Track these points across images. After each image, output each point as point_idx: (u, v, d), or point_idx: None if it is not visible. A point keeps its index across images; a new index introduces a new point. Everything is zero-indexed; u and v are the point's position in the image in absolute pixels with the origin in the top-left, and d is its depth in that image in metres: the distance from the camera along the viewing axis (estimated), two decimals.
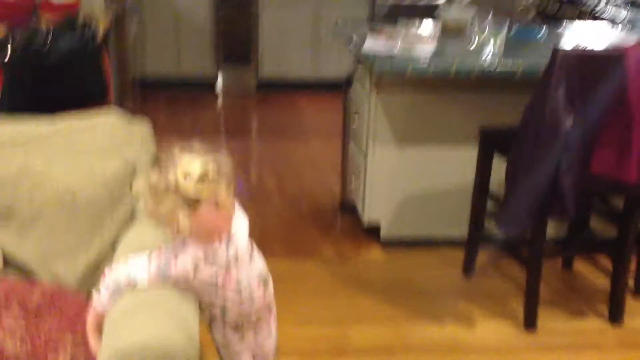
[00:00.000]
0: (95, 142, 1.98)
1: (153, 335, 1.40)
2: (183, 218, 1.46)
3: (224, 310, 1.63)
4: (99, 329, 1.52)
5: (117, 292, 1.52)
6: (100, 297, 1.53)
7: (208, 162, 1.48)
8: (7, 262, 1.82)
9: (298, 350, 2.41)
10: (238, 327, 1.68)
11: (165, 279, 1.52)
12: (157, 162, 1.54)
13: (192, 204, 1.46)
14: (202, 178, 1.45)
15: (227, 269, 1.55)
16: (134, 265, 1.55)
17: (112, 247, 1.86)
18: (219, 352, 1.75)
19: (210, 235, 1.51)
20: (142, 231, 1.84)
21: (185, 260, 1.51)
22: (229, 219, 1.54)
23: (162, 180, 1.46)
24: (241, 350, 1.72)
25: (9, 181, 1.84)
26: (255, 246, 1.66)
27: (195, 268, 1.51)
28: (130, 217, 1.92)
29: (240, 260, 1.57)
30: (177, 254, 1.52)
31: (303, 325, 2.57)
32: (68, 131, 1.99)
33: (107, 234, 1.87)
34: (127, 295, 1.53)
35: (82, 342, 1.54)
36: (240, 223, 1.59)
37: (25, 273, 1.83)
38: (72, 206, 1.85)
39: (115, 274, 1.55)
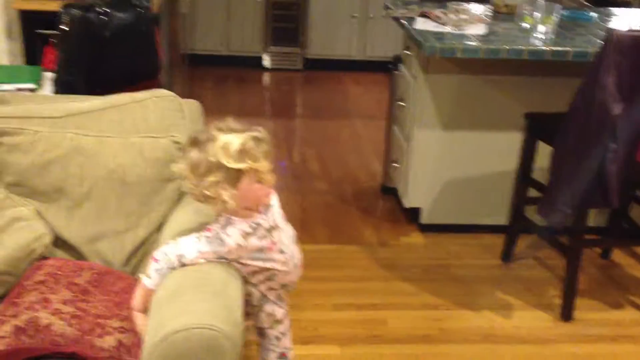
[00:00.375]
0: (146, 122, 2.00)
1: (198, 318, 1.42)
2: (225, 193, 1.53)
3: (272, 275, 1.72)
4: (146, 309, 1.57)
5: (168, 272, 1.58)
6: (151, 280, 1.58)
7: (246, 138, 1.54)
8: (56, 240, 1.86)
9: (337, 336, 2.47)
10: (281, 299, 1.78)
11: (216, 253, 1.59)
12: (195, 141, 1.58)
13: (234, 178, 1.53)
14: (242, 152, 1.52)
15: (270, 233, 1.65)
16: (184, 245, 1.60)
17: (159, 228, 1.89)
18: (262, 341, 1.83)
19: (253, 207, 1.61)
20: (189, 212, 1.86)
21: (234, 234, 1.59)
22: (268, 192, 1.63)
23: (203, 159, 1.52)
24: (285, 330, 1.83)
25: (60, 160, 1.86)
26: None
27: (245, 238, 1.60)
28: (178, 198, 1.94)
29: (278, 224, 1.68)
30: (225, 229, 1.59)
31: (342, 311, 2.62)
32: (119, 110, 2.00)
33: (154, 215, 1.90)
34: (174, 273, 1.57)
35: (130, 324, 1.58)
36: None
37: (73, 251, 1.87)
38: (122, 186, 1.88)
39: (166, 255, 1.59)
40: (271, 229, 1.66)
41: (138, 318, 1.58)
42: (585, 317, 2.64)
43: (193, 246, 1.59)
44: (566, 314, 2.63)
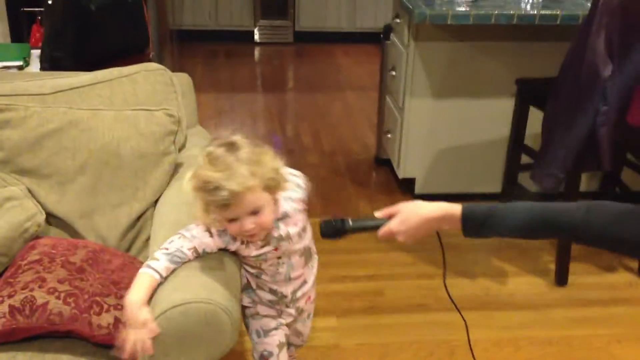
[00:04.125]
0: (138, 96, 1.98)
1: (195, 293, 1.41)
2: (227, 225, 1.49)
3: (259, 273, 1.64)
4: (148, 301, 1.45)
5: (178, 260, 1.50)
6: (156, 264, 1.48)
7: (238, 175, 1.41)
8: (49, 218, 1.83)
9: (334, 308, 2.48)
10: (273, 303, 1.68)
11: (224, 243, 1.54)
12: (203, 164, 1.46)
13: (231, 218, 1.47)
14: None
15: (275, 246, 1.57)
16: (196, 235, 1.52)
17: (155, 202, 1.87)
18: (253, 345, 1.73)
19: (255, 237, 1.52)
20: (183, 188, 1.83)
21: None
22: (269, 220, 1.50)
23: (201, 192, 1.45)
24: (273, 342, 1.70)
25: (54, 134, 1.83)
26: (307, 220, 1.65)
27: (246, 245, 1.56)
28: (174, 172, 1.92)
29: (289, 239, 1.58)
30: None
31: (339, 283, 2.63)
32: (109, 85, 1.98)
33: (150, 189, 1.88)
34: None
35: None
36: (291, 196, 1.58)
37: (67, 228, 1.85)
38: (116, 159, 1.84)
39: (175, 245, 1.51)
40: (277, 242, 1.57)
41: (143, 312, 1.41)
42: (579, 281, 2.66)
43: (206, 238, 1.53)
44: (561, 279, 2.65)
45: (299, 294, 1.69)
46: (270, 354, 1.71)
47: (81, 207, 1.85)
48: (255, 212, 1.46)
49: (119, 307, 1.54)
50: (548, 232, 1.34)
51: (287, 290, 1.67)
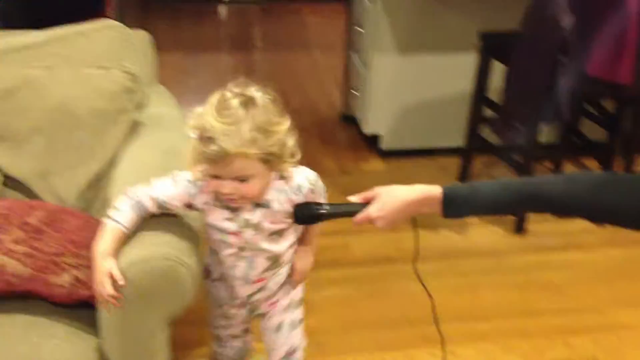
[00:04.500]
0: (94, 53, 1.89)
1: (154, 249, 1.40)
2: (209, 179, 1.37)
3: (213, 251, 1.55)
4: (116, 253, 1.40)
5: (140, 209, 1.44)
6: (121, 215, 1.42)
7: (238, 136, 1.29)
8: (5, 180, 1.80)
9: None
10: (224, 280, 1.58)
11: (189, 195, 1.45)
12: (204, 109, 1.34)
13: (214, 175, 1.36)
14: (223, 155, 1.29)
15: (239, 229, 1.46)
16: (159, 185, 1.46)
17: (113, 163, 1.83)
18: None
19: (233, 202, 1.40)
20: (144, 146, 1.83)
21: (206, 199, 1.44)
22: (253, 191, 1.38)
23: (195, 135, 1.33)
24: (229, 324, 1.67)
25: (6, 94, 1.79)
26: (294, 231, 1.54)
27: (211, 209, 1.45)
28: (132, 131, 1.88)
29: (258, 230, 1.46)
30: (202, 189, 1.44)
31: None
32: (64, 43, 1.90)
33: (107, 149, 1.83)
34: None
35: (85, 261, 1.50)
36: (289, 195, 1.45)
37: (24, 190, 1.82)
38: (72, 119, 1.79)
39: (137, 193, 1.45)
40: (245, 227, 1.45)
41: (107, 262, 1.36)
42: (537, 229, 2.73)
43: (168, 188, 1.45)
44: (519, 227, 2.72)
45: (256, 297, 1.58)
46: (219, 327, 1.69)
47: (37, 167, 1.81)
48: (241, 179, 1.34)
49: (78, 265, 1.52)
50: (530, 205, 1.33)
51: (242, 292, 1.56)
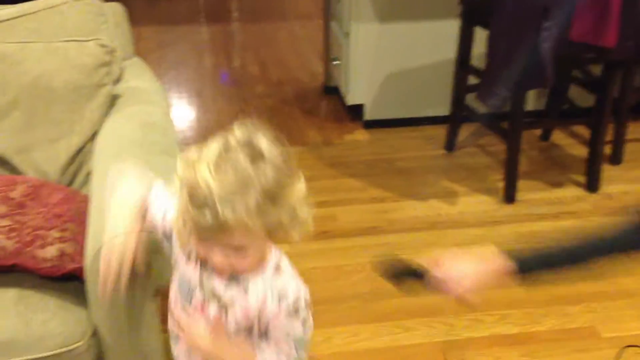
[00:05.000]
0: (68, 28, 1.88)
1: None
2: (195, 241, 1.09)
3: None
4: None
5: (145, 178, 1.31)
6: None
7: (241, 203, 0.99)
8: None
9: None
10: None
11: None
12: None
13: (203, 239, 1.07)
14: (217, 227, 1.00)
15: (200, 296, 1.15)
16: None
17: (92, 137, 1.83)
18: None
19: (218, 272, 1.11)
20: (122, 120, 1.83)
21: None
22: (245, 266, 1.09)
23: (184, 190, 1.02)
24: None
25: None
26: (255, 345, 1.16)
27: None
28: (110, 105, 1.88)
29: (220, 306, 1.14)
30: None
31: None
32: (37, 17, 1.89)
33: (87, 123, 1.83)
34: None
35: (71, 234, 1.53)
36: (267, 280, 1.13)
37: (4, 166, 1.80)
38: (49, 93, 1.79)
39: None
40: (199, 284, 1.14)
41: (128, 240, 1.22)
42: (527, 197, 2.71)
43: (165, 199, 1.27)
44: (509, 196, 2.69)
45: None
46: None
47: (17, 143, 1.80)
48: (235, 249, 1.05)
49: (64, 239, 1.51)
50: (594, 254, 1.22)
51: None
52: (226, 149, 1.01)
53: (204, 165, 0.99)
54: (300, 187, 1.08)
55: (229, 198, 0.98)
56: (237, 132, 1.04)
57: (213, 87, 3.78)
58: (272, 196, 1.01)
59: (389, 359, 1.99)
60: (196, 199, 0.99)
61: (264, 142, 1.03)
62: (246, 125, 1.05)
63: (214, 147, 1.02)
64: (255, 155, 1.01)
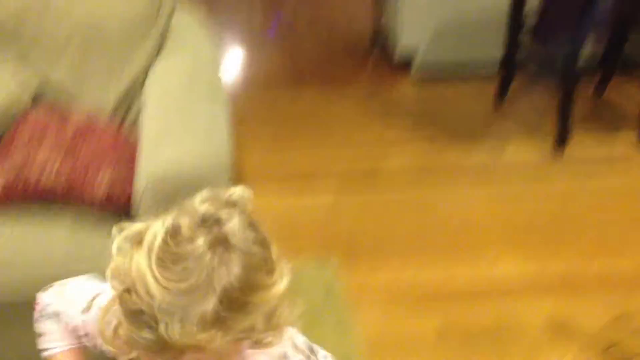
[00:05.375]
0: None
1: (186, 156, 1.44)
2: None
3: None
4: None
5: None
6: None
7: (193, 316, 0.72)
8: (39, 94, 1.83)
9: (335, 171, 2.52)
10: None
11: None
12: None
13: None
14: (160, 347, 0.75)
15: None
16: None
17: (142, 79, 1.86)
18: None
19: None
20: (171, 63, 1.87)
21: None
22: None
23: (117, 297, 0.77)
24: None
25: (33, 12, 1.83)
26: None
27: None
28: (160, 47, 1.93)
29: None
30: None
31: (339, 148, 2.68)
32: None
33: (135, 66, 1.88)
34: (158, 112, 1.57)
35: (120, 173, 1.56)
36: None
37: (62, 98, 1.84)
38: (100, 38, 1.85)
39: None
40: None
41: None
42: (577, 154, 2.64)
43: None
44: (559, 151, 2.63)
45: None
46: None
47: (75, 73, 1.84)
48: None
49: (113, 176, 1.54)
50: None
51: None
52: (177, 233, 0.73)
53: (144, 257, 0.72)
54: (281, 286, 0.77)
55: (175, 309, 0.71)
56: (200, 206, 0.77)
57: (261, 41, 3.78)
58: (238, 302, 0.73)
59: None
60: (130, 306, 0.73)
61: (235, 222, 0.75)
62: (215, 196, 0.78)
63: (158, 228, 0.74)
64: (219, 241, 0.73)
